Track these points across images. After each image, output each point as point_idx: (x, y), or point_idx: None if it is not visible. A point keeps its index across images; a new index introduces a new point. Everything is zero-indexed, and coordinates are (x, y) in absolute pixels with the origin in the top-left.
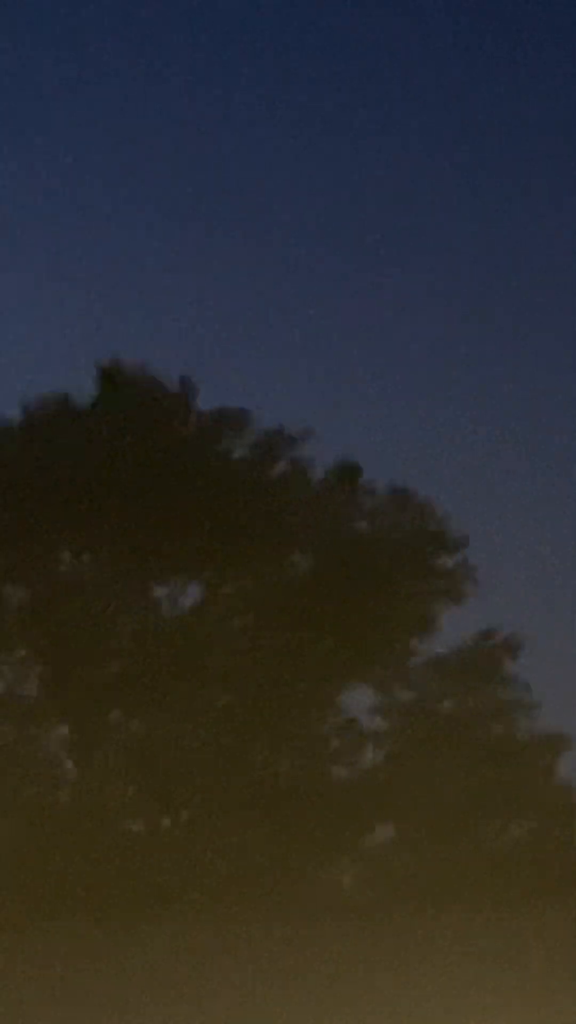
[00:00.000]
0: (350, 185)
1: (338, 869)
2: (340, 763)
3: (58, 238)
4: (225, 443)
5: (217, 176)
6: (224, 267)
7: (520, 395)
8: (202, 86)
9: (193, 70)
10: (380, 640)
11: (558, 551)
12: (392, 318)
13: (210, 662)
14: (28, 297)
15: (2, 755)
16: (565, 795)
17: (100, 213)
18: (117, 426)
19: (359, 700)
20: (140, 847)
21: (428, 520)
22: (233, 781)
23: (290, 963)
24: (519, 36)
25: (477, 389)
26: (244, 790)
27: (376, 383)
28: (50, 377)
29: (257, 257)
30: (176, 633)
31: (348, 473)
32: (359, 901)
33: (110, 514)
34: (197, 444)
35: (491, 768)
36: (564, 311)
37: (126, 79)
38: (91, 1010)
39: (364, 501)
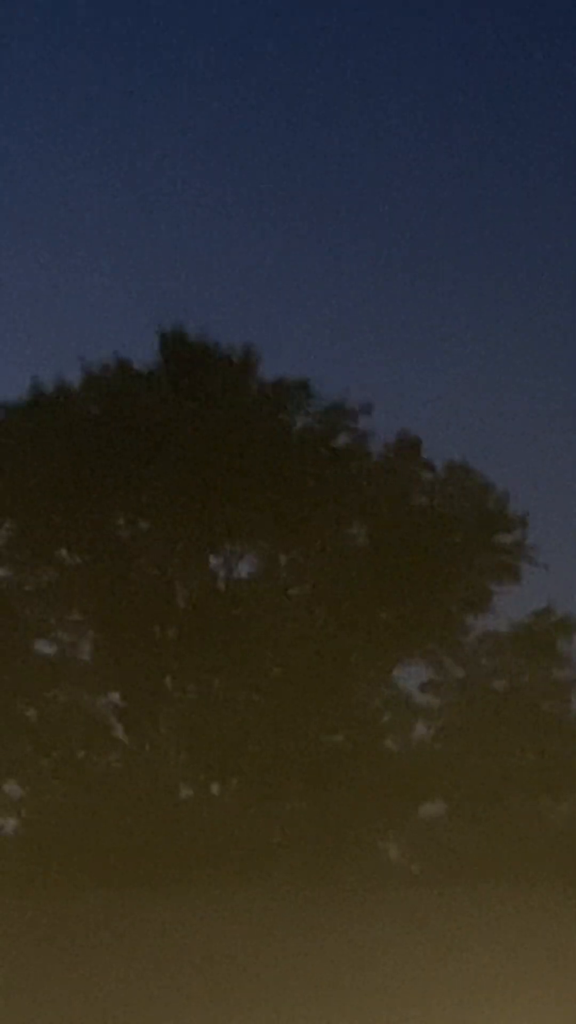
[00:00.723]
0: (416, 167)
1: (387, 842)
2: (392, 736)
3: (122, 205)
4: (286, 414)
5: (284, 150)
6: (290, 238)
7: None
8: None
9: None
10: (435, 615)
11: None
12: (455, 294)
13: (265, 631)
14: (91, 262)
15: (55, 719)
16: None
17: (164, 180)
18: (178, 392)
19: (413, 675)
20: (190, 813)
21: (487, 497)
22: (284, 750)
23: (336, 933)
24: None
25: (540, 367)
26: (295, 760)
27: (439, 358)
28: (111, 342)
29: (322, 229)
30: (231, 601)
31: (408, 447)
32: (407, 874)
33: (168, 480)
34: (258, 413)
35: (543, 745)
36: None
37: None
38: (137, 973)
39: (423, 476)
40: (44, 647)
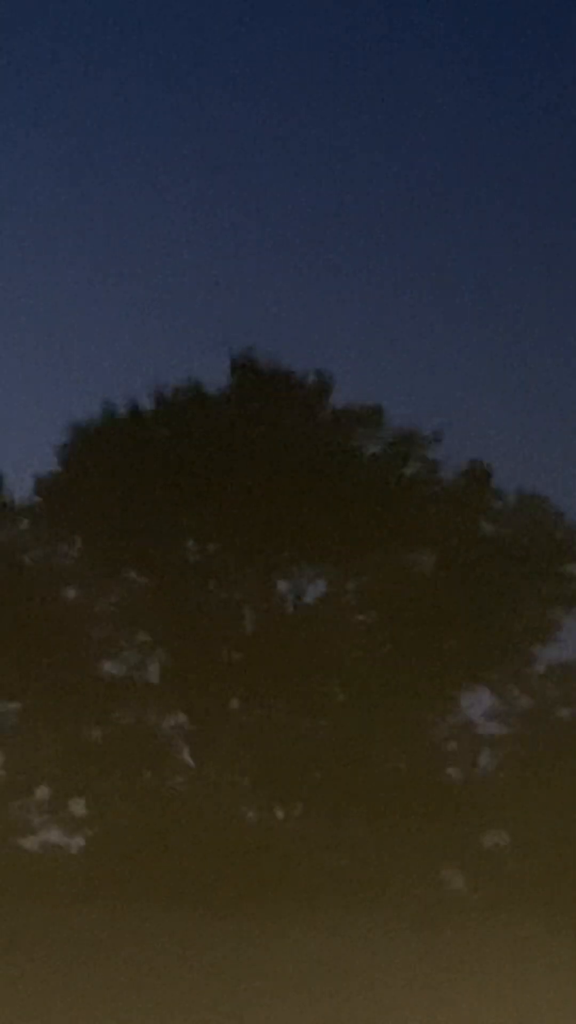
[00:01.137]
0: (491, 202)
1: (450, 870)
2: (456, 765)
3: (196, 230)
4: (357, 440)
5: (359, 182)
6: (364, 267)
7: None
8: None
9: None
10: (501, 644)
11: None
12: (531, 325)
13: (331, 657)
14: (164, 286)
15: (120, 740)
16: None
17: (240, 209)
18: (248, 417)
19: (478, 703)
20: (253, 837)
21: (556, 526)
22: (348, 776)
23: (398, 959)
24: None
25: None
26: (359, 786)
27: (510, 388)
28: (184, 366)
29: (397, 260)
30: (298, 626)
31: (478, 475)
32: (470, 903)
33: (238, 504)
34: (329, 440)
35: None
36: None
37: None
38: (194, 996)
39: (492, 504)
40: (111, 668)
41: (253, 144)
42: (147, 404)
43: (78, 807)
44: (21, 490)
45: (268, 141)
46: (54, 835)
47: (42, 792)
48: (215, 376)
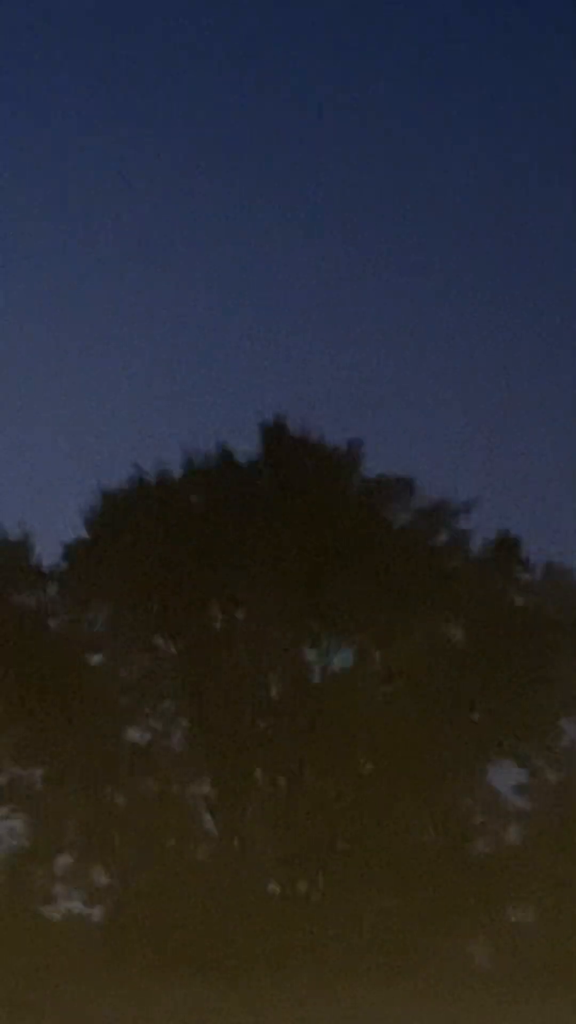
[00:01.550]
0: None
1: (476, 944)
2: (482, 838)
3: (230, 298)
4: (387, 510)
5: (388, 250)
6: (397, 339)
7: None
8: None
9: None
10: (530, 716)
11: None
12: (555, 399)
13: (357, 727)
14: (196, 352)
15: (144, 807)
16: None
17: (272, 278)
18: (279, 485)
19: (505, 776)
20: (276, 908)
21: None
22: (373, 848)
23: None
24: None
25: None
26: (383, 858)
27: (539, 460)
28: (214, 432)
29: (428, 330)
30: (324, 695)
31: (507, 546)
32: (495, 977)
33: (266, 572)
34: (359, 509)
35: None
36: None
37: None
38: None
39: (522, 576)
40: (136, 734)
41: (288, 219)
42: (177, 470)
43: (100, 875)
44: (49, 555)
45: (307, 221)
46: (76, 904)
47: (65, 859)
48: (246, 443)
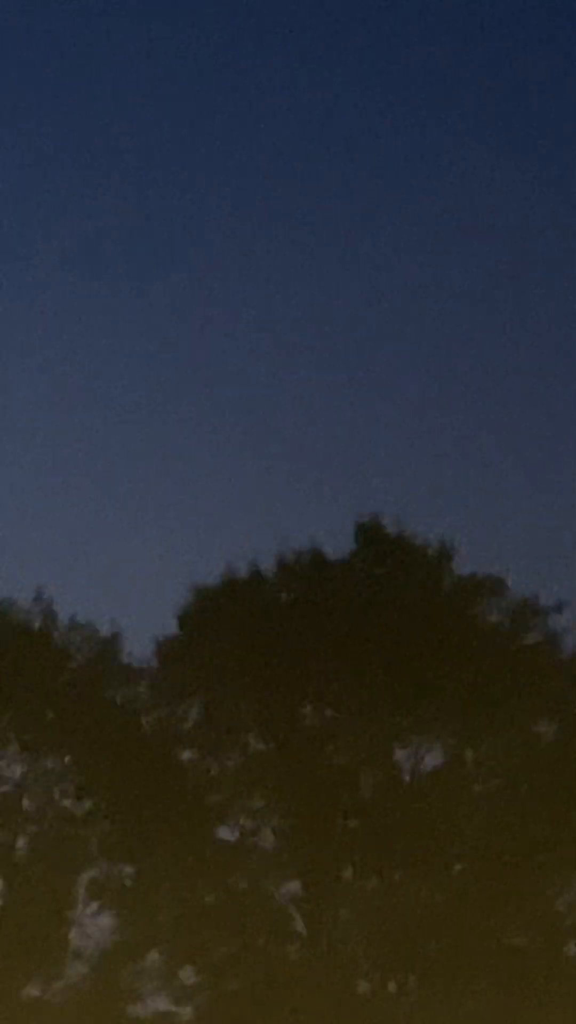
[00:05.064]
0: None
1: None
2: None
3: (326, 396)
4: (480, 608)
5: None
6: (491, 436)
7: None
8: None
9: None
10: None
11: None
12: None
13: (449, 826)
14: (291, 448)
15: (234, 906)
16: None
17: (364, 374)
18: (371, 583)
19: None
20: (365, 1009)
21: None
22: (465, 949)
23: None
24: None
25: None
26: (475, 959)
27: None
28: (307, 529)
29: (522, 429)
30: (416, 794)
31: None
32: None
33: (357, 670)
34: (451, 607)
35: None
36: None
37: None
38: None
39: None
40: (226, 832)
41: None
42: (269, 567)
43: (189, 974)
44: (141, 651)
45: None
46: (163, 1002)
47: (153, 957)
48: (338, 540)
